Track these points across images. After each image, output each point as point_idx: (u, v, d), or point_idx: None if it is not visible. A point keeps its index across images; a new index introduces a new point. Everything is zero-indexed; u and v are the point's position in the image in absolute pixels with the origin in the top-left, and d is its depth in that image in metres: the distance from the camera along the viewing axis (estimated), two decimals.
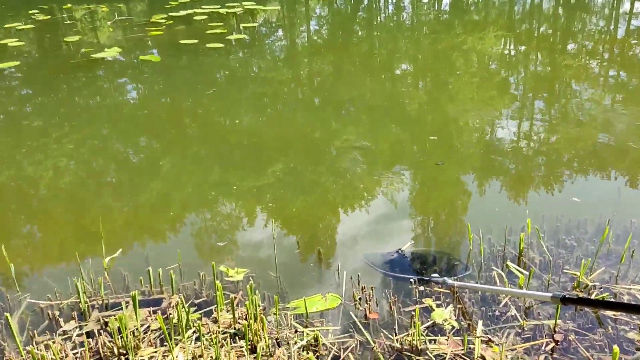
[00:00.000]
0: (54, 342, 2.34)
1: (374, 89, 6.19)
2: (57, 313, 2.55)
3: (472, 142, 4.35)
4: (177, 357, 2.21)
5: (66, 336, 2.41)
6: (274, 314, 2.47)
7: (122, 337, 2.28)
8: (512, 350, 2.13)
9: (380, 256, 2.97)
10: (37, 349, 2.28)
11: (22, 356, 2.23)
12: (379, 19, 10.53)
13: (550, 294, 1.90)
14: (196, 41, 8.02)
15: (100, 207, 3.65)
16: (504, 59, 7.18)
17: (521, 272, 2.53)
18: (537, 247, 2.84)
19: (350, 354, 2.18)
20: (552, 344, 2.13)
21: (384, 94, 5.95)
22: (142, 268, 2.97)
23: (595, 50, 7.34)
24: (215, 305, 2.55)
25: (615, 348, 1.80)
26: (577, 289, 2.43)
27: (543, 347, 2.12)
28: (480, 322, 2.28)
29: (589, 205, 3.24)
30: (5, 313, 2.23)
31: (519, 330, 2.23)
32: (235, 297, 2.63)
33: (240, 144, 4.64)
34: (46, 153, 4.57)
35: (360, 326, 2.35)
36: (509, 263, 2.65)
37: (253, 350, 2.23)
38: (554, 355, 2.07)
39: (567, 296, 1.80)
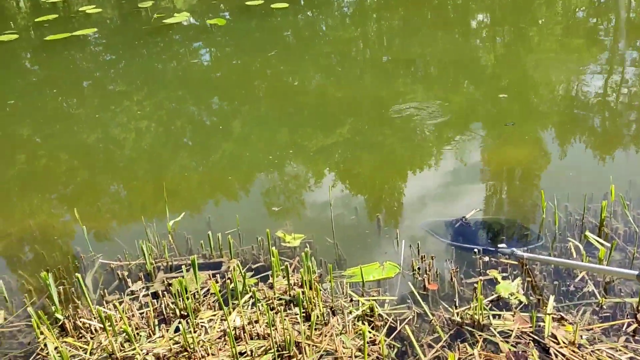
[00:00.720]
0: (121, 303, 2.45)
1: (445, 45, 5.82)
2: (125, 273, 2.67)
3: (550, 99, 3.98)
4: (234, 321, 2.24)
5: (134, 296, 2.52)
6: (330, 281, 2.42)
7: (183, 300, 2.34)
8: (587, 330, 1.94)
9: (442, 224, 2.82)
10: (107, 308, 2.40)
11: (93, 314, 2.36)
12: None
13: (637, 272, 1.69)
14: (262, 1, 7.92)
15: (167, 171, 3.76)
16: (594, 5, 6.46)
17: (602, 244, 2.29)
18: (622, 216, 2.56)
19: (407, 326, 2.10)
20: (635, 325, 1.92)
21: (456, 50, 5.57)
22: (204, 231, 3.02)
23: None
24: (272, 271, 2.55)
25: None
26: None
27: (624, 328, 1.92)
28: (552, 298, 2.10)
29: None
30: (76, 274, 2.35)
31: (597, 309, 2.03)
32: (291, 264, 2.61)
33: (307, 104, 4.57)
34: (120, 116, 4.76)
35: (419, 297, 2.25)
36: (587, 234, 2.41)
37: (308, 318, 2.21)
38: (636, 337, 1.87)
39: None
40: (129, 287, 2.59)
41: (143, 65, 6.19)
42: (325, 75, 5.27)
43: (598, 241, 2.34)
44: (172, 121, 4.61)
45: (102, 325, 2.24)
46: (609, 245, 2.32)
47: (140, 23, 7.83)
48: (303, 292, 2.25)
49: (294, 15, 7.42)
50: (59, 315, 2.38)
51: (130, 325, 2.26)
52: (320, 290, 2.24)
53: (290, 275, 2.41)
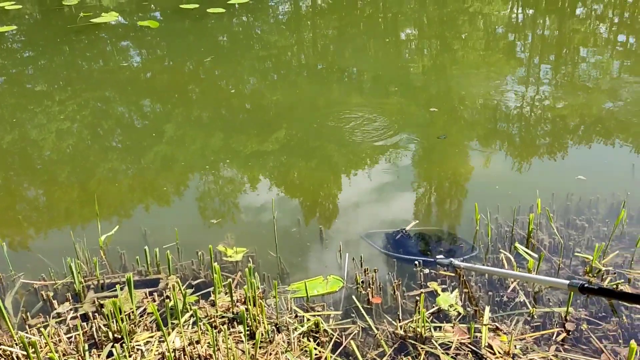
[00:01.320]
0: (46, 327, 2.28)
1: (377, 54, 6.00)
2: (51, 294, 2.48)
3: (477, 113, 4.19)
4: (173, 342, 2.15)
5: (60, 319, 2.34)
6: (274, 297, 2.39)
7: (117, 321, 2.21)
8: (520, 339, 2.05)
9: (382, 235, 2.88)
10: (30, 333, 2.21)
11: (14, 340, 2.17)
12: None
13: (567, 282, 1.80)
14: (197, 5, 7.74)
15: (97, 180, 3.56)
16: (512, 23, 6.92)
17: (530, 255, 2.43)
18: (547, 228, 2.74)
19: (352, 341, 2.11)
20: (564, 334, 2.05)
21: (387, 60, 5.76)
22: (139, 245, 2.89)
23: (605, 15, 7.07)
24: (212, 288, 2.47)
25: (633, 344, 1.71)
26: (590, 274, 2.34)
27: (554, 337, 2.04)
28: (487, 309, 2.20)
29: (600, 183, 3.11)
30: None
31: (528, 318, 2.15)
32: (234, 279, 2.55)
33: (243, 109, 4.51)
34: (48, 117, 4.45)
35: (363, 311, 2.27)
36: (517, 245, 2.55)
37: (252, 336, 2.16)
38: (565, 346, 2.00)
39: (585, 285, 1.70)
40: (55, 309, 2.41)
41: (67, 65, 5.83)
42: (261, 80, 5.24)
43: (527, 252, 2.48)
44: (99, 123, 4.38)
45: (24, 353, 2.06)
46: (536, 256, 2.47)
47: (64, 21, 7.38)
48: (247, 309, 2.20)
49: (229, 20, 7.32)
50: None
51: (57, 352, 2.10)
52: (264, 306, 2.20)
53: (233, 292, 2.35)
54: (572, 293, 2.07)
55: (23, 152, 4.01)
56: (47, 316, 2.36)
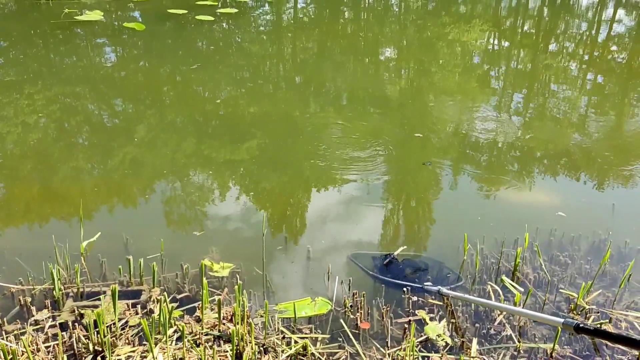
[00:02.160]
0: (23, 334, 2.18)
1: (356, 72, 6.10)
2: (28, 299, 2.39)
3: (456, 141, 4.27)
4: (156, 358, 2.09)
5: (38, 326, 2.25)
6: (261, 316, 2.36)
7: (98, 333, 2.14)
8: None
9: (370, 258, 2.88)
10: (7, 340, 2.12)
11: None
12: (366, 2, 10.39)
13: (561, 320, 1.83)
14: (185, 11, 7.70)
15: (79, 186, 3.46)
16: (489, 53, 7.13)
17: (517, 289, 2.47)
18: (531, 262, 2.79)
19: None
20: None
21: (365, 78, 5.86)
22: (120, 253, 2.82)
23: (576, 52, 7.37)
24: (198, 303, 2.43)
25: None
26: (574, 312, 2.39)
27: None
28: (474, 341, 2.22)
29: (580, 220, 3.20)
30: None
31: (515, 353, 2.18)
32: (221, 296, 2.51)
33: (219, 115, 4.49)
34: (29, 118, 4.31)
35: (351, 336, 2.26)
36: (504, 278, 2.59)
37: (239, 356, 2.12)
38: None
39: (580, 325, 1.73)
40: (33, 315, 2.32)
41: (56, 63, 5.70)
42: (237, 88, 5.24)
43: (513, 286, 2.52)
44: (82, 125, 4.28)
45: None
46: (522, 289, 2.51)
47: (46, 16, 7.21)
48: (235, 329, 2.16)
49: (215, 29, 7.30)
50: None
51: None
52: (253, 327, 2.17)
53: (220, 309, 2.30)
54: (559, 330, 2.11)
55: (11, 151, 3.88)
56: (24, 323, 2.26)
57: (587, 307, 2.41)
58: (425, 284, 2.61)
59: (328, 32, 7.76)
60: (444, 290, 2.50)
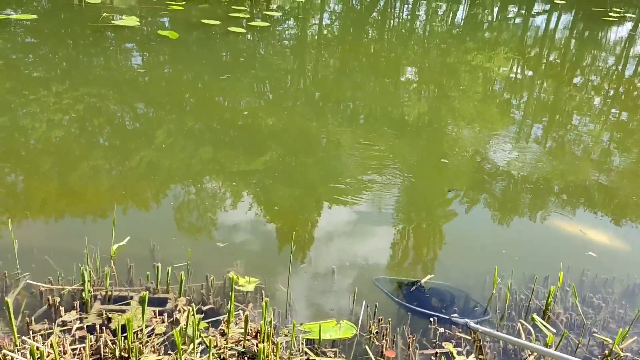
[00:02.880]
0: (50, 334, 2.19)
1: (376, 91, 6.13)
2: (57, 299, 2.40)
3: (480, 168, 4.23)
4: None
5: (65, 328, 2.26)
6: (286, 335, 2.34)
7: (125, 339, 2.14)
8: None
9: (395, 283, 2.85)
10: (34, 340, 2.13)
11: (16, 345, 2.08)
12: (391, 23, 10.46)
13: None
14: (218, 22, 7.81)
15: (113, 190, 3.50)
16: (513, 81, 7.10)
17: (549, 330, 2.41)
18: (562, 301, 2.73)
19: None
20: None
21: (386, 98, 5.88)
22: (147, 258, 2.83)
23: (601, 86, 7.30)
24: (223, 316, 2.42)
25: None
26: (608, 358, 2.32)
27: None
28: None
29: (614, 261, 3.14)
30: (7, 299, 2.07)
31: None
32: (246, 311, 2.49)
33: (247, 128, 4.52)
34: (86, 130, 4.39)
35: None
36: (535, 317, 2.54)
37: None
38: None
39: None
40: (61, 316, 2.33)
41: (81, 65, 5.82)
42: (273, 106, 5.29)
43: (545, 326, 2.46)
44: (118, 129, 4.34)
45: None
46: (554, 330, 2.45)
47: (85, 18, 7.38)
48: (259, 346, 2.14)
49: (246, 40, 7.38)
50: None
51: None
52: (279, 347, 2.15)
53: (246, 325, 2.28)
54: None
55: (47, 150, 3.95)
56: (52, 323, 2.27)
57: (622, 354, 2.34)
58: (453, 315, 2.56)
59: (351, 50, 7.83)
60: (472, 324, 2.46)
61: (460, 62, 7.63)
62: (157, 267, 2.61)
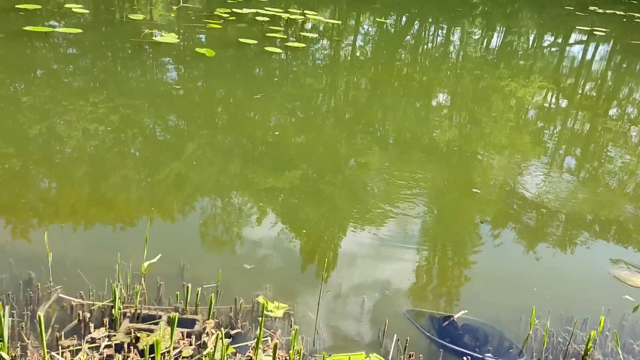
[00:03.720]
0: (79, 350, 2.19)
1: (406, 114, 6.12)
2: (87, 315, 2.40)
3: (512, 200, 4.12)
4: None
5: (94, 345, 2.25)
6: None
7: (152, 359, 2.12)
8: None
9: (427, 317, 2.77)
10: (62, 356, 2.12)
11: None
12: (425, 47, 10.46)
13: None
14: (255, 42, 7.91)
15: (144, 203, 3.53)
16: (546, 110, 6.97)
17: None
18: (600, 346, 2.61)
19: None
20: None
21: (415, 122, 5.85)
22: (177, 277, 2.83)
23: (638, 119, 7.11)
24: (251, 342, 2.38)
25: None
26: None
27: None
28: None
29: None
30: (39, 313, 2.08)
31: None
32: (274, 338, 2.45)
33: (277, 146, 4.53)
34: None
35: None
36: None
37: None
38: None
39: None
40: (90, 332, 2.33)
41: (133, 79, 5.95)
42: (306, 126, 5.29)
43: None
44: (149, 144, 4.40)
45: None
46: None
47: (127, 34, 7.58)
48: None
49: (281, 60, 7.46)
50: (5, 355, 2.07)
51: None
52: None
53: (275, 354, 2.24)
54: None
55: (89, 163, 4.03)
56: (81, 339, 2.27)
57: None
58: (487, 355, 2.47)
59: (383, 72, 7.84)
60: None
61: (494, 88, 7.56)
62: (187, 287, 2.60)
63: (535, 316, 2.71)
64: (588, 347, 2.50)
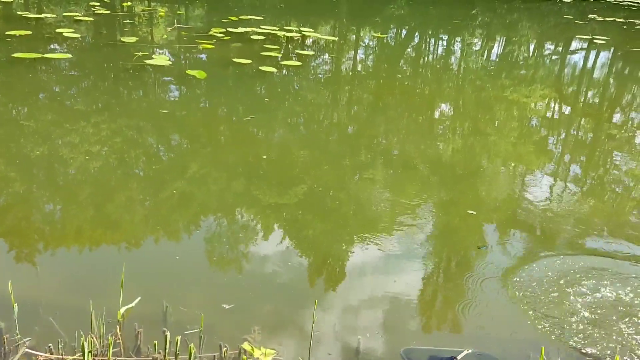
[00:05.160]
0: None
1: (409, 127, 5.97)
2: None
3: (514, 221, 3.90)
4: None
5: None
6: None
7: None
8: None
9: (426, 355, 2.55)
10: None
11: None
12: (426, 59, 10.33)
13: None
14: (250, 61, 7.78)
15: (121, 239, 3.34)
16: (549, 119, 6.78)
17: None
18: None
19: None
20: None
21: (418, 136, 5.69)
22: (158, 320, 2.62)
23: None
24: None
25: None
26: None
27: None
28: None
29: None
30: None
31: None
32: None
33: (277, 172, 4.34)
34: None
35: None
36: None
37: None
38: None
39: None
40: None
41: (110, 94, 5.81)
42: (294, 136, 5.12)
43: None
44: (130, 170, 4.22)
45: None
46: None
47: (118, 57, 7.47)
48: None
49: (277, 81, 7.33)
50: None
51: None
52: None
53: None
54: None
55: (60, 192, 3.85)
56: None
57: None
58: None
59: (384, 86, 7.70)
60: None
61: (495, 98, 7.39)
62: (166, 335, 2.40)
63: (545, 355, 2.49)
64: None
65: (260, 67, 7.52)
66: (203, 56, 8.10)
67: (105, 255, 3.18)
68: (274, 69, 7.56)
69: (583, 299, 3.05)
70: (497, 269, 3.30)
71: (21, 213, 3.56)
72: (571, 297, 3.06)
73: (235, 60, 7.75)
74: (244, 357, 2.23)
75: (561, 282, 3.20)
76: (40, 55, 6.69)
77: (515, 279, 3.22)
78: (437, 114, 6.81)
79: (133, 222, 3.55)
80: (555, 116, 7.15)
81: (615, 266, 3.44)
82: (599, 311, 2.96)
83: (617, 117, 7.34)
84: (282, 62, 8.01)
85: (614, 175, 5.11)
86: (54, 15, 9.73)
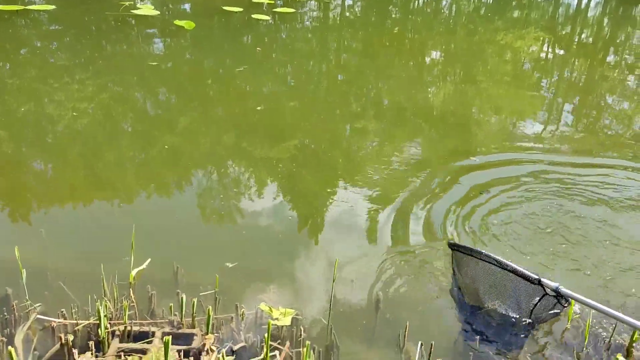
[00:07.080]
0: None
1: (399, 73, 5.84)
2: (70, 337, 2.12)
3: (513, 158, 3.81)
4: None
5: None
6: None
7: None
8: None
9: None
10: None
11: None
12: (416, 3, 10.01)
13: None
14: (240, 9, 7.42)
15: (131, 203, 3.22)
16: (543, 61, 6.63)
17: None
18: None
19: None
20: None
21: (409, 83, 5.55)
22: (170, 283, 2.54)
23: (636, 65, 6.78)
24: (257, 358, 2.12)
25: None
26: None
27: None
28: None
29: None
30: (9, 347, 1.79)
31: None
32: (283, 350, 2.18)
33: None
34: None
35: None
36: (620, 358, 2.17)
37: None
38: None
39: None
40: (74, 358, 2.05)
41: (93, 47, 5.54)
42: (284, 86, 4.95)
43: None
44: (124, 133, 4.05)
45: None
46: None
47: (104, 7, 7.09)
48: None
49: (268, 26, 7.02)
50: None
51: None
52: None
53: None
54: None
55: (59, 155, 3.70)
56: None
57: None
58: (543, 279, 2.25)
59: (374, 33, 7.45)
60: (564, 289, 2.22)
61: (488, 42, 7.20)
62: (182, 297, 2.31)
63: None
64: (634, 338, 2.24)
65: (252, 15, 7.20)
66: (193, 4, 7.73)
67: (112, 220, 3.06)
68: (267, 17, 7.24)
69: None
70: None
71: (17, 176, 3.42)
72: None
73: (225, 8, 7.40)
74: (269, 313, 2.17)
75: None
76: (22, 7, 6.34)
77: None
78: (428, 59, 6.57)
79: (134, 183, 3.42)
80: (550, 57, 6.99)
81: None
82: None
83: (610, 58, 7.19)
84: (275, 10, 7.68)
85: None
86: None
